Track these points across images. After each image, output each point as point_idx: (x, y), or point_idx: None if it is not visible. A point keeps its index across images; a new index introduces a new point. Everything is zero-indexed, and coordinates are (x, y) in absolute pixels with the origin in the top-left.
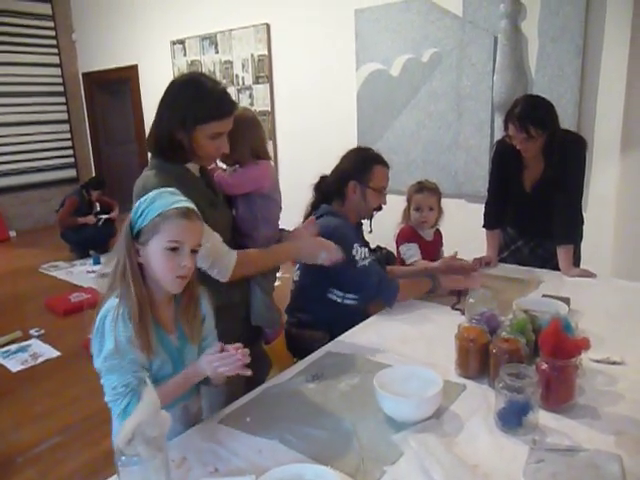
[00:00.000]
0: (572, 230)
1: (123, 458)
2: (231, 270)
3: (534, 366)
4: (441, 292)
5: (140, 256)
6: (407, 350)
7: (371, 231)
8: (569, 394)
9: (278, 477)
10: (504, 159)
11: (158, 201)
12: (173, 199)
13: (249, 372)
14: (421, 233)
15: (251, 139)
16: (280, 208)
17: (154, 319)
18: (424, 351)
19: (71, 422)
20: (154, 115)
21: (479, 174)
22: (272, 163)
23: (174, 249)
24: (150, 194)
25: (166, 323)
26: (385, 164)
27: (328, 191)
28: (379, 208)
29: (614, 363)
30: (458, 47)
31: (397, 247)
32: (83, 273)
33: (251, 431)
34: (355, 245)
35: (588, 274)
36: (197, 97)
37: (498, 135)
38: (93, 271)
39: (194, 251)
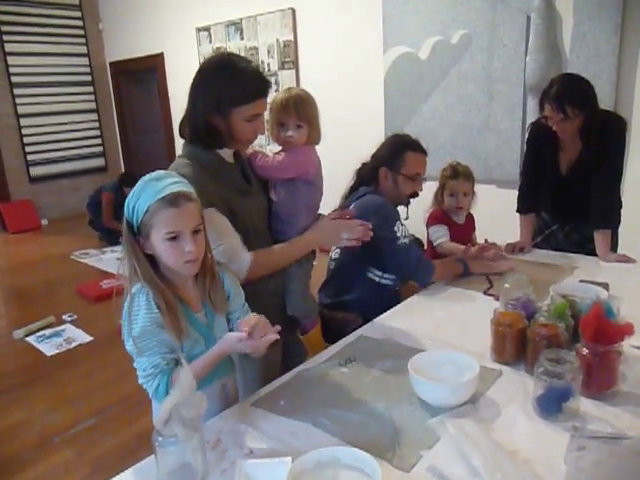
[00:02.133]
0: (610, 214)
1: (160, 439)
2: (245, 273)
3: (574, 352)
4: (475, 274)
5: (148, 248)
6: (440, 335)
7: (407, 218)
8: (611, 381)
9: (315, 459)
10: (539, 141)
11: (143, 195)
12: (157, 187)
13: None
14: (453, 216)
15: (318, 120)
16: (321, 194)
17: (180, 300)
18: (457, 336)
19: (104, 405)
20: (186, 101)
21: (510, 158)
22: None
23: (174, 238)
24: (136, 188)
25: (191, 302)
26: (420, 150)
27: (365, 177)
28: (415, 194)
29: None
30: (489, 28)
31: (427, 229)
32: (113, 260)
33: (285, 414)
34: (397, 222)
35: (627, 259)
36: (231, 78)
37: (530, 118)
38: None
39: (197, 231)
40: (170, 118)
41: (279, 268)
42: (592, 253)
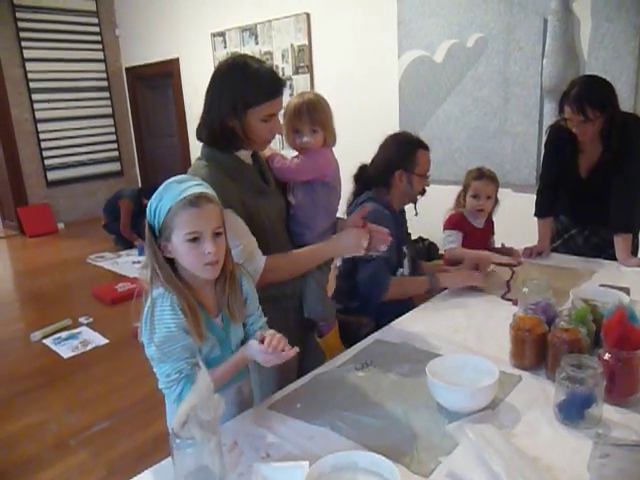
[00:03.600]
0: (631, 217)
1: (178, 441)
2: (258, 276)
3: (596, 357)
4: (453, 289)
5: (169, 251)
6: (457, 339)
7: (417, 214)
8: (634, 387)
9: (332, 464)
10: (558, 144)
11: (166, 196)
12: (180, 189)
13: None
14: (471, 221)
15: (332, 123)
16: (339, 197)
17: (199, 305)
18: (475, 341)
19: (120, 407)
20: (201, 106)
21: (527, 162)
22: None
23: (194, 239)
24: (159, 190)
25: (209, 307)
26: (426, 147)
27: (371, 181)
28: (423, 192)
29: None
30: (505, 31)
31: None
32: (128, 264)
33: (302, 417)
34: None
35: None
36: (245, 79)
37: (547, 121)
38: (138, 261)
39: (218, 234)
40: (185, 123)
41: (293, 276)
42: (612, 258)
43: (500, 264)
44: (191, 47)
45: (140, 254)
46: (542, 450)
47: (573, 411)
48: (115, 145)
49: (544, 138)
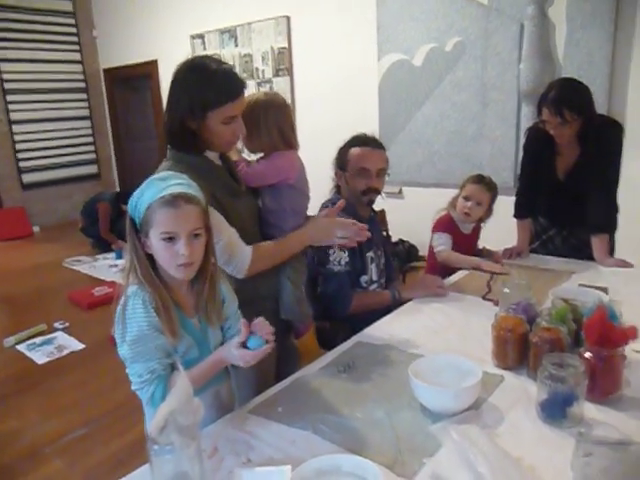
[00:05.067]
0: (607, 218)
1: (156, 447)
2: (247, 267)
3: (577, 356)
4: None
5: (148, 247)
6: (439, 340)
7: (374, 212)
8: (615, 385)
9: (315, 467)
10: (536, 146)
11: (146, 193)
12: (160, 187)
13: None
14: (459, 225)
15: (284, 125)
16: (308, 198)
17: (174, 303)
18: (457, 342)
19: (96, 414)
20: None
21: (505, 165)
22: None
23: (169, 239)
24: (142, 185)
25: (186, 307)
26: (367, 144)
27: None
28: (374, 191)
29: None
30: (483, 36)
31: (432, 233)
32: (106, 267)
33: (283, 421)
34: (335, 247)
35: (625, 264)
36: (203, 81)
37: (525, 125)
38: (116, 265)
39: (196, 235)
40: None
41: (278, 262)
42: (590, 258)
43: (491, 272)
44: (170, 49)
45: (118, 258)
46: (525, 450)
47: (555, 410)
48: (92, 147)
49: (522, 141)
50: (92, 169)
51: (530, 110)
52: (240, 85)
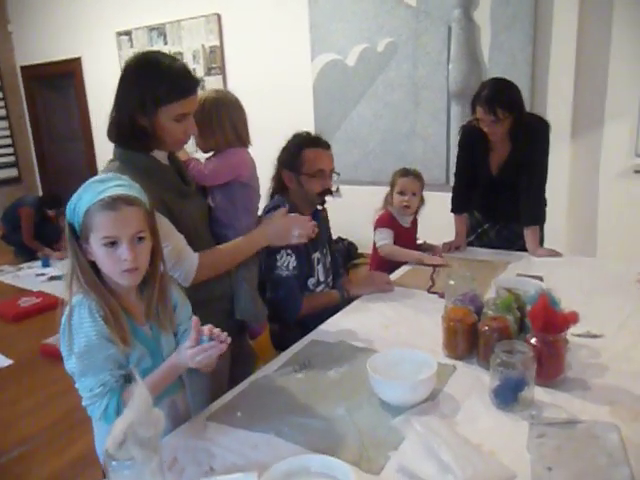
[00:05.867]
0: (538, 211)
1: (114, 463)
2: (192, 275)
3: (524, 342)
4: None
5: (90, 254)
6: (390, 334)
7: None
8: (560, 368)
9: (284, 470)
10: (470, 143)
11: (84, 196)
12: (99, 189)
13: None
14: (399, 219)
15: (237, 121)
16: (259, 196)
17: (123, 310)
18: (407, 335)
19: (31, 433)
20: (107, 107)
21: (437, 162)
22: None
23: (111, 244)
24: (80, 188)
25: (135, 314)
26: (318, 145)
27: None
28: (327, 192)
29: (594, 336)
30: (413, 37)
31: (374, 232)
32: (32, 276)
33: (243, 426)
34: (282, 251)
35: (555, 253)
36: (155, 76)
37: (454, 123)
38: (43, 274)
39: (140, 238)
40: (89, 126)
41: (228, 268)
42: (521, 249)
43: (433, 265)
44: (94, 46)
45: (44, 265)
46: (483, 436)
47: (508, 395)
48: (11, 150)
49: (452, 139)
50: (12, 172)
51: (459, 109)
52: (194, 83)
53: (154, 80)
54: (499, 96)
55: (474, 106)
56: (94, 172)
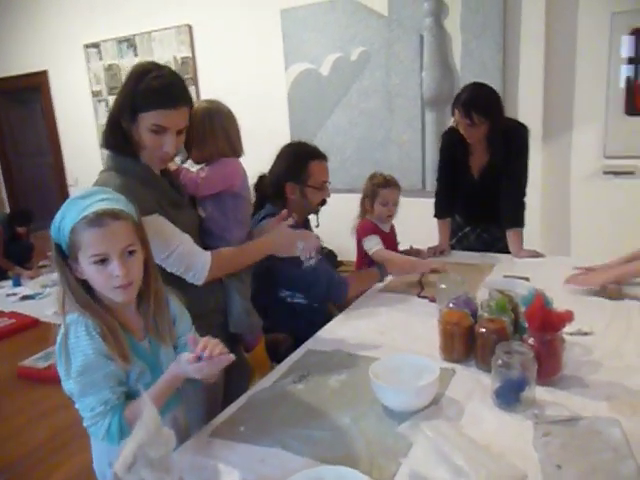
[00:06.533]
0: (520, 214)
1: None
2: (207, 272)
3: (522, 343)
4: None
5: (79, 272)
6: (386, 340)
7: (318, 225)
8: (558, 366)
9: None
10: (451, 148)
11: (68, 213)
12: (82, 206)
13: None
14: (380, 226)
15: (230, 131)
16: (251, 206)
17: (122, 327)
18: (403, 340)
19: (9, 461)
20: (75, 121)
21: (413, 168)
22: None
23: (101, 261)
24: (62, 206)
25: (134, 330)
26: (321, 157)
27: (267, 192)
28: (324, 202)
29: (585, 334)
30: (386, 45)
31: (357, 241)
32: (2, 297)
33: (248, 440)
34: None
35: (537, 254)
36: (139, 82)
37: (429, 129)
38: (14, 294)
39: (131, 252)
40: (57, 140)
41: (236, 269)
42: (501, 251)
43: (436, 270)
44: (62, 59)
45: (15, 285)
46: (490, 437)
47: (510, 396)
48: None
49: (427, 146)
50: None
51: (433, 115)
52: (176, 98)
53: (137, 86)
54: (475, 101)
55: (453, 109)
56: (63, 186)
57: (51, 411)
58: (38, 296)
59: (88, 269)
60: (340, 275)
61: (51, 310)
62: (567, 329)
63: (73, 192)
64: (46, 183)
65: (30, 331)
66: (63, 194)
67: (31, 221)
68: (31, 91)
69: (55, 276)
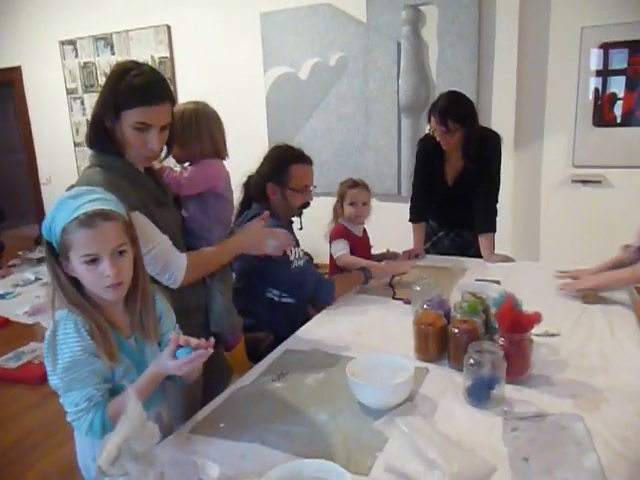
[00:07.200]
0: (492, 219)
1: (107, 479)
2: (182, 276)
3: (492, 342)
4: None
5: (71, 270)
6: (363, 341)
7: (301, 228)
8: (526, 366)
9: (278, 477)
10: (427, 154)
11: (59, 214)
12: (73, 206)
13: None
14: (352, 230)
15: (216, 133)
16: (233, 207)
17: (109, 325)
18: (379, 340)
19: None
20: (49, 118)
21: (389, 173)
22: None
23: (92, 261)
24: (53, 205)
25: (121, 327)
26: (305, 161)
27: (253, 193)
28: (306, 205)
29: (552, 335)
30: (364, 52)
31: (330, 244)
32: None
33: (228, 436)
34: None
35: (508, 259)
36: (121, 80)
37: (405, 136)
38: None
39: (121, 252)
40: (30, 137)
41: (211, 271)
42: (474, 255)
43: (400, 273)
44: (36, 55)
45: None
46: (462, 433)
47: (481, 393)
48: None
49: (403, 151)
50: None
51: (409, 122)
52: (159, 94)
53: (119, 84)
54: (451, 109)
55: (429, 116)
56: (36, 185)
57: (22, 412)
58: (9, 295)
59: (79, 268)
60: (327, 277)
61: (22, 310)
62: (535, 330)
63: (45, 191)
64: (18, 180)
65: (2, 330)
66: (36, 193)
67: (3, 220)
68: (4, 87)
69: (25, 275)
